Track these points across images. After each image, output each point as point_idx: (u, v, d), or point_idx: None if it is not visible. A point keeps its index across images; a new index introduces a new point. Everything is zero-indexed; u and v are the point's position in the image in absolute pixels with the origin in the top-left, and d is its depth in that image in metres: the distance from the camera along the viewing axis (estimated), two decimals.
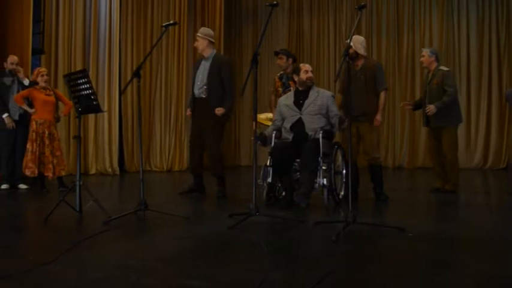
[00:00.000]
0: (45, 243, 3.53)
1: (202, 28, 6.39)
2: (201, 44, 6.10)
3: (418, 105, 6.86)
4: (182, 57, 11.43)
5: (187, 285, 2.40)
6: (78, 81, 4.41)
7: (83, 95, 4.40)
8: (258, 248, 3.18)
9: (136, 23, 10.86)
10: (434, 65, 6.60)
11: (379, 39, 12.59)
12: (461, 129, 11.89)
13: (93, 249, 3.16)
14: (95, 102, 4.37)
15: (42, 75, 6.75)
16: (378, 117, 5.56)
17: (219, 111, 5.95)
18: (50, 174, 6.62)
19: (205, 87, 6.01)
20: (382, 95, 5.58)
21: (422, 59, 6.70)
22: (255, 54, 4.19)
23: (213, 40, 6.15)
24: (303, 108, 5.27)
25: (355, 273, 2.67)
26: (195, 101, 6.12)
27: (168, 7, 11.31)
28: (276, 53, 6.60)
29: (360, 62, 5.63)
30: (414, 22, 12.39)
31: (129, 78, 9.84)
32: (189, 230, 3.90)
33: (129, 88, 9.80)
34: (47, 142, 6.60)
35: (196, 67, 6.23)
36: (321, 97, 5.29)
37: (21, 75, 7.10)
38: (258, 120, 6.07)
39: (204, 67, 6.09)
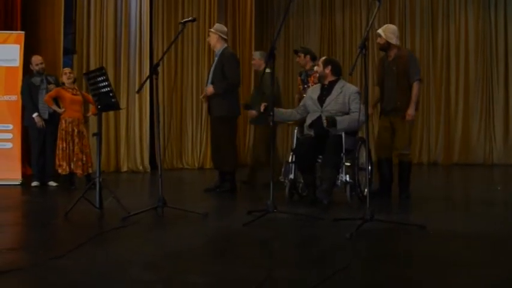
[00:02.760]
0: (60, 238, 3.58)
1: (216, 24, 6.40)
2: (212, 39, 6.13)
3: None
4: (212, 54, 11.43)
5: (190, 281, 2.37)
6: (97, 79, 4.45)
7: (102, 92, 4.44)
8: (269, 245, 3.13)
9: (167, 21, 10.92)
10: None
11: (413, 30, 12.29)
12: (500, 124, 11.54)
13: (105, 245, 3.18)
14: (113, 100, 4.40)
15: (66, 74, 6.94)
16: (410, 111, 5.32)
17: (208, 89, 5.95)
18: (80, 171, 6.75)
19: (211, 84, 6.03)
20: (415, 86, 5.34)
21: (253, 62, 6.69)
22: (271, 49, 4.13)
23: (224, 36, 6.13)
24: (324, 106, 5.14)
25: (366, 272, 2.59)
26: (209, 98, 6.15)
27: (199, 5, 11.34)
28: (296, 52, 6.55)
29: (393, 53, 5.44)
30: (449, 12, 12.05)
31: (160, 76, 9.96)
32: (204, 226, 3.88)
33: (159, 85, 9.85)
34: (76, 140, 6.73)
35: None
36: (344, 94, 5.11)
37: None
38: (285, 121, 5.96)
39: (214, 63, 6.14)
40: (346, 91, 5.10)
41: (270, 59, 4.12)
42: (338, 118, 5.00)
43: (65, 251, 2.90)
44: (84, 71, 9.28)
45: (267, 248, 3.09)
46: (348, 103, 5.08)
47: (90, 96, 7.07)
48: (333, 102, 5.09)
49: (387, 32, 5.40)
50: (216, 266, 2.64)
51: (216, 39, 6.09)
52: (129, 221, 4.00)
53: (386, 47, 5.46)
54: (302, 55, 6.40)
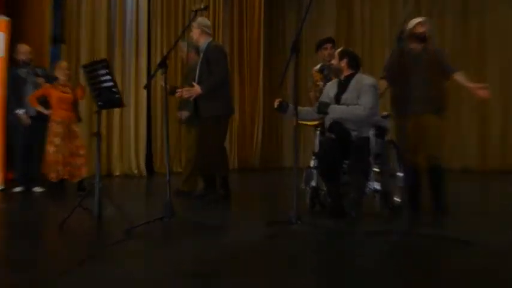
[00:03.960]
0: (57, 253, 3.56)
1: (198, 18, 6.41)
2: (194, 33, 6.19)
3: None
4: None
5: None
6: (98, 73, 4.43)
7: (103, 87, 4.43)
8: (299, 262, 3.12)
9: (166, 8, 10.91)
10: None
11: (443, 20, 12.23)
12: None
13: (109, 262, 3.16)
14: (117, 96, 4.39)
15: (62, 69, 6.94)
16: (481, 91, 5.05)
17: (195, 90, 5.92)
18: (68, 176, 6.78)
19: (196, 81, 6.05)
20: (460, 75, 5.29)
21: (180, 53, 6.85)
22: (295, 42, 4.12)
23: (207, 30, 6.18)
24: (341, 103, 5.09)
25: None
26: None
27: None
28: (321, 43, 6.49)
29: (424, 45, 5.42)
30: (483, 2, 12.02)
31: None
32: (218, 240, 3.88)
33: (157, 81, 9.82)
34: (67, 142, 6.76)
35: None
36: (358, 88, 5.06)
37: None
38: (304, 122, 5.95)
39: (200, 60, 6.18)
40: (360, 84, 5.09)
41: (294, 53, 4.10)
42: (332, 106, 5.03)
43: (62, 269, 2.89)
44: (73, 63, 9.28)
45: (296, 265, 3.08)
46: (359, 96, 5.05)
47: (79, 91, 7.10)
48: (349, 100, 5.07)
49: (428, 22, 5.41)
50: (234, 286, 2.63)
51: (198, 34, 6.16)
52: (134, 233, 3.99)
53: (423, 37, 5.44)
54: (329, 45, 6.36)
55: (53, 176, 6.74)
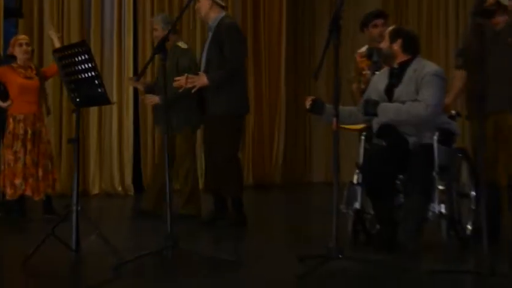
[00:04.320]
0: None
1: None
2: (202, 6, 6.16)
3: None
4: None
5: None
6: (75, 59, 4.48)
7: (82, 78, 4.47)
8: None
9: None
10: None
11: None
12: None
13: None
14: (99, 90, 4.43)
15: (21, 45, 6.83)
16: None
17: (200, 79, 5.98)
18: (32, 193, 6.68)
19: (204, 72, 6.13)
20: None
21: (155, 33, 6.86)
22: (334, 19, 4.13)
23: (220, 2, 6.23)
24: (393, 100, 5.08)
25: None
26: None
27: None
28: (371, 18, 6.47)
29: (503, 19, 5.37)
30: None
31: (148, 55, 9.98)
32: (237, 279, 3.91)
33: (149, 72, 9.87)
34: (29, 147, 6.68)
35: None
36: (416, 78, 5.03)
37: None
38: (345, 126, 5.96)
39: (208, 41, 6.26)
40: (419, 73, 5.04)
41: (334, 33, 4.12)
42: (382, 104, 5.00)
43: None
44: (35, 44, 9.29)
45: None
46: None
47: (49, 69, 7.10)
48: (404, 95, 5.04)
49: None
50: None
51: (208, 7, 6.16)
52: (124, 271, 4.01)
53: (492, 9, 5.39)
54: (380, 21, 6.32)
55: (9, 193, 6.66)
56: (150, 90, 6.91)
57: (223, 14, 6.24)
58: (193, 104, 6.44)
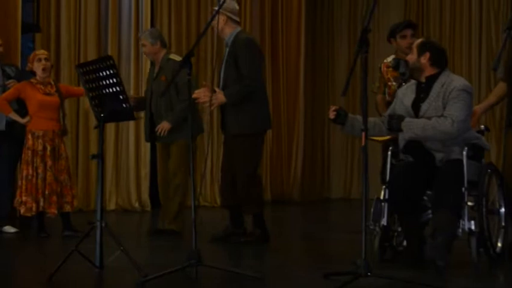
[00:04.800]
0: None
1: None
2: (219, 22, 6.15)
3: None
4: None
5: None
6: (100, 74, 4.49)
7: (107, 93, 4.48)
8: None
9: None
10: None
11: None
12: None
13: None
14: (125, 105, 4.43)
15: (40, 60, 6.81)
16: None
17: (218, 98, 6.00)
18: (54, 211, 6.67)
19: (221, 89, 6.16)
20: None
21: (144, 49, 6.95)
22: (364, 32, 4.13)
23: (235, 17, 6.29)
24: (420, 115, 5.06)
25: None
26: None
27: None
28: (399, 29, 6.44)
29: None
30: None
31: None
32: None
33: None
34: (49, 163, 6.69)
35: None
36: (444, 93, 5.01)
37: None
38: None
39: (225, 57, 6.28)
40: (447, 88, 5.02)
41: (363, 46, 4.11)
42: (407, 120, 4.98)
43: None
44: (52, 59, 9.31)
45: None
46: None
47: (67, 85, 7.11)
48: (431, 110, 5.03)
49: None
50: None
51: (223, 22, 6.20)
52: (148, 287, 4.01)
53: None
54: (409, 32, 6.34)
55: (26, 209, 6.63)
56: (140, 106, 6.95)
57: (238, 29, 6.31)
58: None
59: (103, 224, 4.55)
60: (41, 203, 6.64)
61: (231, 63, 6.14)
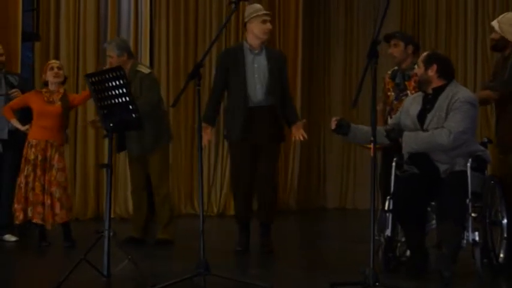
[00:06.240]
0: None
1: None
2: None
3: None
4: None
5: None
6: (109, 84, 4.55)
7: (116, 103, 4.55)
8: None
9: None
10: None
11: None
12: None
13: None
14: (134, 115, 4.50)
15: (52, 69, 6.79)
16: None
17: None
18: (39, 221, 6.60)
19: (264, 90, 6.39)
20: None
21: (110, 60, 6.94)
22: (373, 43, 4.21)
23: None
24: (425, 126, 5.14)
25: None
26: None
27: None
28: (388, 38, 6.55)
29: (508, 51, 5.50)
30: None
31: (167, 77, 10.33)
32: None
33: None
34: (38, 173, 6.64)
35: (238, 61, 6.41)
36: (448, 104, 5.08)
37: None
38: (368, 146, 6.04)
39: (258, 62, 6.42)
40: (451, 99, 5.08)
41: (373, 56, 4.20)
42: (406, 134, 5.09)
43: None
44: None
45: None
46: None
47: (78, 95, 7.15)
48: (435, 121, 5.10)
49: (504, 23, 5.48)
50: None
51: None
52: None
53: (501, 45, 5.53)
54: (401, 44, 6.37)
55: (16, 218, 6.67)
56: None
57: None
58: (164, 124, 6.86)
59: (111, 233, 4.59)
60: (28, 213, 6.60)
61: (274, 69, 6.42)
